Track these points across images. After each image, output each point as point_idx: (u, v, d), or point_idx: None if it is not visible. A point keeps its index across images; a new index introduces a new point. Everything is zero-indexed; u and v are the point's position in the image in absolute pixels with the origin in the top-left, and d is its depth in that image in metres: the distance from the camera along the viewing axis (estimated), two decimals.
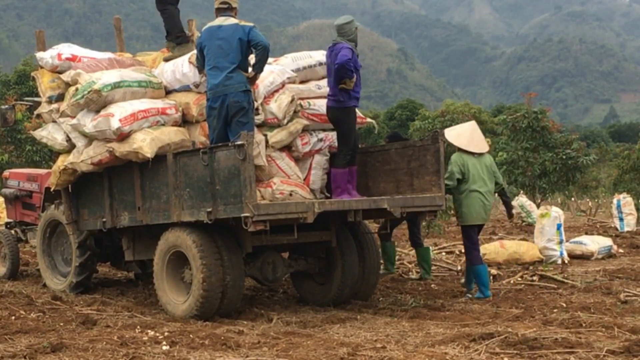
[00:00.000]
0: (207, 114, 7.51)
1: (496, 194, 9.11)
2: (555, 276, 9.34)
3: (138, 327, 6.73)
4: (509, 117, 21.55)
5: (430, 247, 10.95)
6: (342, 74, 7.64)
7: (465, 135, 8.60)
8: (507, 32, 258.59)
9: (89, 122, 7.83)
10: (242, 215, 6.68)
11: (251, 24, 7.53)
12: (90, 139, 8.00)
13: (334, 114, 7.86)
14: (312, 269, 8.15)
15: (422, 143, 7.99)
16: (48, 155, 22.96)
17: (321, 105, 8.04)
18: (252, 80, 7.50)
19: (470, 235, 8.47)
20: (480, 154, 8.51)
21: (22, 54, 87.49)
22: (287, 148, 7.96)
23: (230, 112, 7.31)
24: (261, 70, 7.52)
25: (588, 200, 25.19)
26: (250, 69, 7.52)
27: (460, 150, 8.44)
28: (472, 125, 8.96)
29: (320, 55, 8.37)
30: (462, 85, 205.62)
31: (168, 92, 8.21)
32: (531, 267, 10.13)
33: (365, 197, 7.90)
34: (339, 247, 7.99)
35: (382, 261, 9.42)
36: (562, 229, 10.90)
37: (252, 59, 7.52)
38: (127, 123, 7.59)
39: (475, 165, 8.40)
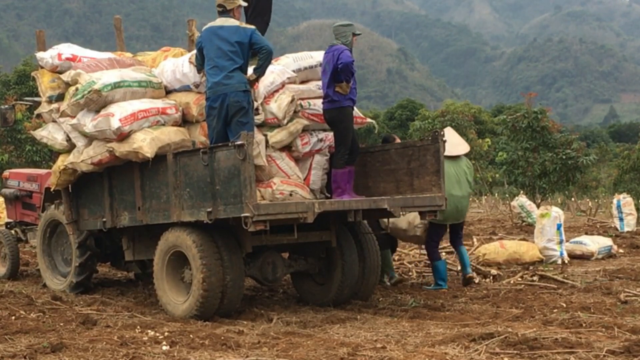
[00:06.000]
0: (207, 113, 7.50)
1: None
2: (555, 276, 9.34)
3: (138, 327, 6.73)
4: (509, 117, 21.57)
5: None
6: (345, 74, 7.65)
7: None
8: (507, 32, 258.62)
9: (89, 122, 7.83)
10: (242, 215, 6.68)
11: (252, 27, 7.54)
12: (90, 138, 8.00)
13: (330, 114, 7.87)
14: (312, 269, 8.15)
15: (422, 143, 8.00)
16: (48, 155, 22.99)
17: (322, 106, 8.03)
18: (252, 82, 7.51)
19: (434, 232, 9.02)
20: (455, 158, 8.91)
21: (22, 54, 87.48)
22: (287, 148, 7.96)
23: (230, 111, 7.31)
24: (263, 73, 7.53)
25: (588, 200, 25.15)
26: (250, 71, 7.53)
27: None
28: (445, 132, 9.29)
29: (320, 56, 8.36)
30: (462, 85, 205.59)
31: (168, 91, 8.21)
32: (531, 267, 10.12)
33: (365, 197, 7.91)
34: (339, 247, 7.99)
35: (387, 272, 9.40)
36: (562, 229, 10.89)
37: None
38: (127, 123, 7.59)
39: (450, 169, 8.68)
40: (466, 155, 9.27)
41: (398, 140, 9.03)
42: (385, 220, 8.78)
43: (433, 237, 9.10)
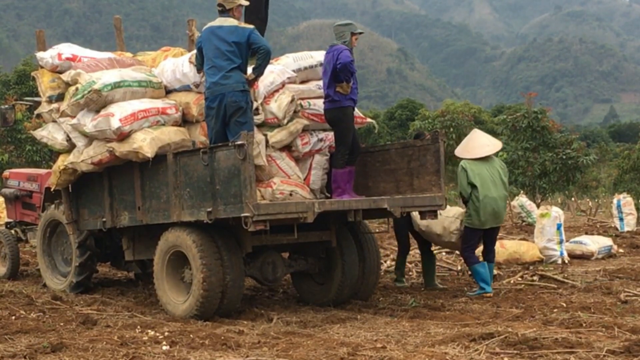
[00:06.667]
0: (206, 113, 7.51)
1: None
2: (555, 276, 9.34)
3: (138, 327, 6.73)
4: (509, 117, 21.59)
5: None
6: (344, 74, 7.65)
7: (462, 144, 8.89)
8: (507, 32, 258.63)
9: (89, 122, 7.84)
10: (242, 215, 6.68)
11: (251, 27, 7.54)
12: (90, 138, 8.00)
13: (330, 114, 7.87)
14: (312, 269, 8.15)
15: (422, 143, 8.01)
16: (48, 155, 22.98)
17: (321, 105, 8.04)
18: (251, 82, 7.50)
19: (470, 237, 8.62)
20: (486, 159, 8.63)
21: (22, 54, 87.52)
22: (287, 148, 7.96)
23: (229, 111, 7.31)
24: (261, 73, 7.53)
25: (588, 200, 25.17)
26: (250, 71, 7.53)
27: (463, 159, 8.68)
28: (471, 134, 9.19)
29: (321, 56, 8.37)
30: (462, 85, 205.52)
31: (168, 91, 8.21)
32: (531, 267, 10.13)
33: (365, 197, 7.91)
34: (339, 247, 7.99)
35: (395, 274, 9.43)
36: (562, 228, 10.89)
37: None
38: (127, 123, 7.59)
39: (483, 171, 8.52)
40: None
41: (428, 137, 8.89)
42: (419, 223, 8.76)
43: (469, 242, 8.62)
